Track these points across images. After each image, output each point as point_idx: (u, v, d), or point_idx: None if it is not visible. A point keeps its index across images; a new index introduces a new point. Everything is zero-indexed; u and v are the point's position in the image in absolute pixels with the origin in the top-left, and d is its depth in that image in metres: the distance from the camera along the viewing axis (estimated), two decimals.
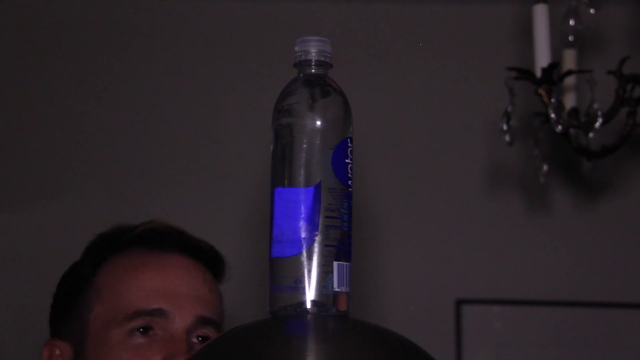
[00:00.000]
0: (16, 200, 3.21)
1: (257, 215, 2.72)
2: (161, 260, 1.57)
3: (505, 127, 1.96)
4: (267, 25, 3.29)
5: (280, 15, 3.27)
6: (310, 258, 0.99)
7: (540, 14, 1.96)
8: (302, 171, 1.01)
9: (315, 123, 1.01)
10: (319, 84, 1.03)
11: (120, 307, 1.51)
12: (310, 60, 1.04)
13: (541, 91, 1.94)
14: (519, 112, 1.98)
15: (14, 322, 3.09)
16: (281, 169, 1.01)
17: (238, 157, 3.20)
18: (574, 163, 2.95)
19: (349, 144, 1.03)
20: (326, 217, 1.00)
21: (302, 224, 1.00)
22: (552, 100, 1.93)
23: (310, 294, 0.99)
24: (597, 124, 1.93)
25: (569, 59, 2.05)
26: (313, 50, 1.04)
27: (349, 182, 1.02)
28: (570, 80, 2.03)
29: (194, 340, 1.52)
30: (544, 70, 1.94)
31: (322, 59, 1.04)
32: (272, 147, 1.03)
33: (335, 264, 1.00)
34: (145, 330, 1.50)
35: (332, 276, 0.99)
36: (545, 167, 2.05)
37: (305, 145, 1.01)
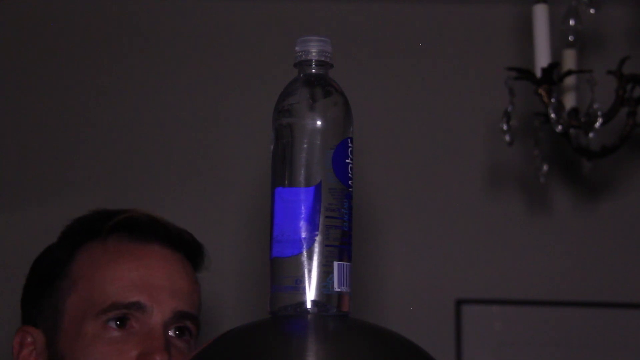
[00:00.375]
0: (16, 200, 3.21)
1: (257, 215, 2.71)
2: (140, 251, 1.50)
3: (505, 127, 1.96)
4: (267, 25, 3.28)
5: (280, 15, 3.27)
6: (310, 258, 0.99)
7: (540, 14, 1.96)
8: (302, 171, 1.01)
9: (316, 123, 1.01)
10: (319, 84, 1.03)
11: (97, 298, 1.46)
12: (311, 60, 1.04)
13: (541, 91, 1.94)
14: (519, 112, 1.98)
15: (13, 322, 3.09)
16: (281, 169, 1.01)
17: (238, 157, 3.20)
18: (574, 163, 2.94)
19: (350, 144, 1.03)
20: (326, 217, 1.00)
21: (303, 224, 1.00)
22: (552, 100, 1.93)
23: (310, 294, 0.99)
24: (597, 124, 1.93)
25: (569, 59, 2.05)
26: (313, 50, 1.04)
27: (350, 182, 1.02)
28: (570, 80, 2.03)
29: (171, 333, 1.47)
30: (544, 70, 1.93)
31: (323, 59, 1.04)
32: (272, 147, 1.03)
33: (335, 264, 1.00)
34: (122, 323, 1.45)
35: (333, 276, 0.99)
36: (545, 167, 2.05)
37: (305, 145, 1.01)
